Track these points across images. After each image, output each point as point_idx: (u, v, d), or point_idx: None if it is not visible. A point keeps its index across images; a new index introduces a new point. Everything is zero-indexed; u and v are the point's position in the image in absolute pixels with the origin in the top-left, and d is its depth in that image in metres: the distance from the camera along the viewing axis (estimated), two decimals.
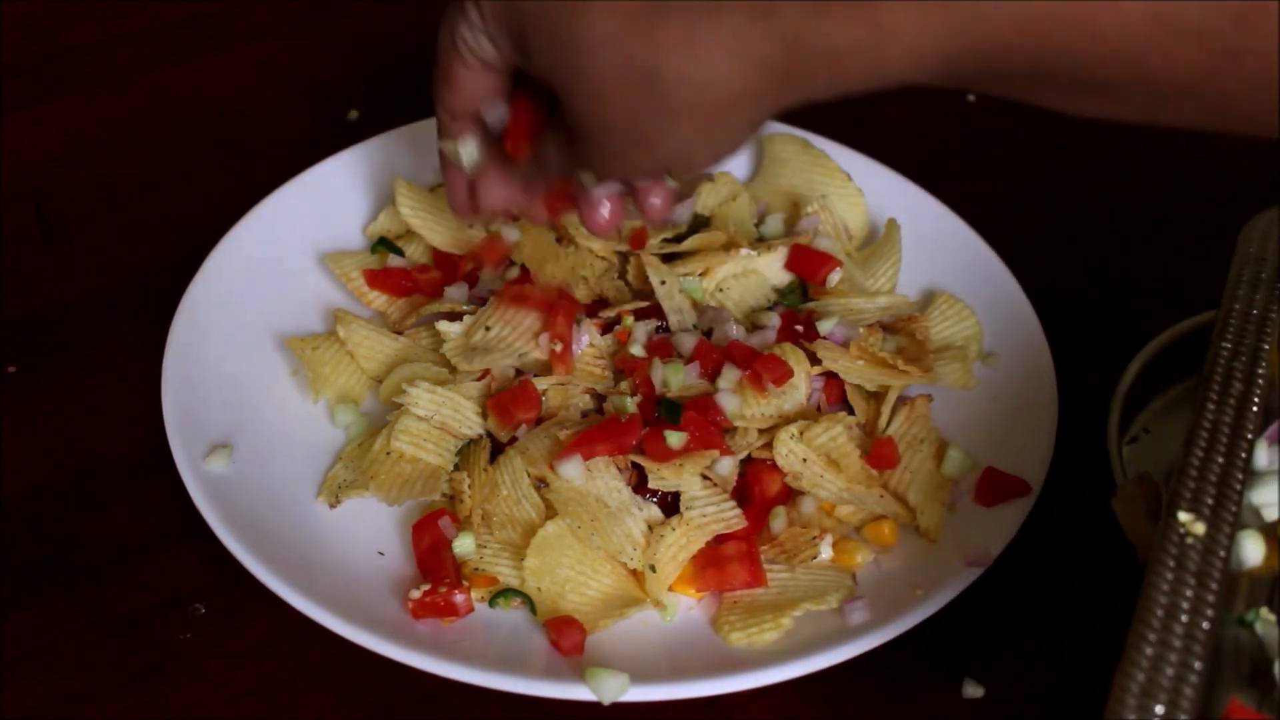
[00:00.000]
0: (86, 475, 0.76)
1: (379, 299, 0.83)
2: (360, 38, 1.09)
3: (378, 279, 0.82)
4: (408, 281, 0.82)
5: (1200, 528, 0.57)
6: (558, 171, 0.64)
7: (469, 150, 0.67)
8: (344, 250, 0.85)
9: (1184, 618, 0.53)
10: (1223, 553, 0.56)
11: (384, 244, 0.84)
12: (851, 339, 0.77)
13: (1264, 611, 0.58)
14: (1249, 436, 0.62)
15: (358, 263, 0.83)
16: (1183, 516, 0.57)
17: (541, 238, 0.81)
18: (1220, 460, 0.61)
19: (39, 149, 0.97)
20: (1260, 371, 0.66)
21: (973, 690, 0.68)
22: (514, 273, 0.80)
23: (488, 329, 0.76)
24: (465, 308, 0.78)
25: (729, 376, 0.73)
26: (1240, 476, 0.60)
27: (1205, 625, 0.53)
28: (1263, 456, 0.64)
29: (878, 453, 0.73)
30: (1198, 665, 0.51)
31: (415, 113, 0.92)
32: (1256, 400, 0.64)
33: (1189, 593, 0.54)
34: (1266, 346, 0.68)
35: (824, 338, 0.77)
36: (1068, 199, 0.97)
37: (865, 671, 0.67)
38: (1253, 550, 0.60)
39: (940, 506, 0.72)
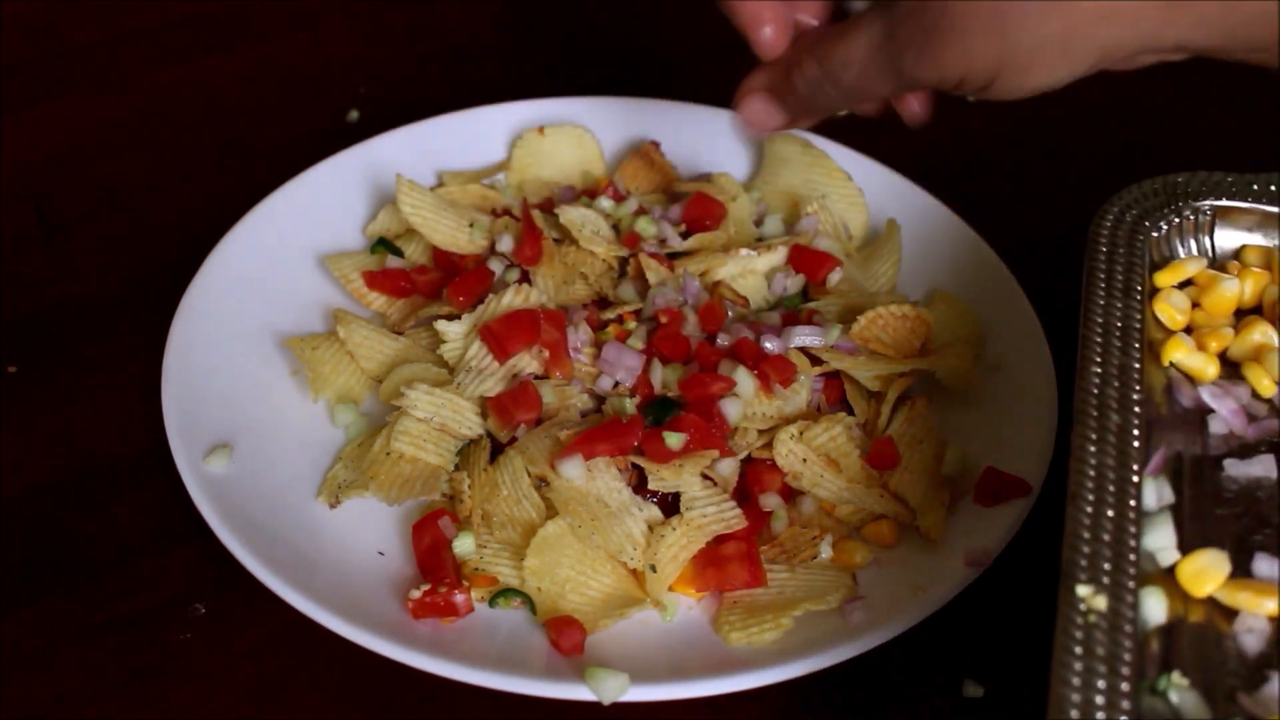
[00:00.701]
0: (86, 475, 0.76)
1: (378, 300, 0.83)
2: (360, 38, 1.09)
3: (377, 280, 0.82)
4: (407, 283, 0.82)
5: (1102, 601, 0.53)
6: (852, 81, 0.61)
7: None
8: (343, 251, 0.85)
9: (1100, 715, 0.50)
10: (1129, 625, 0.53)
11: (383, 244, 0.84)
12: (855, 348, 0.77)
13: (1175, 677, 0.54)
14: (1135, 477, 0.58)
15: (357, 264, 0.83)
16: (1081, 591, 0.54)
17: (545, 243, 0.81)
18: (1110, 513, 0.56)
19: (39, 149, 0.97)
20: (1135, 395, 0.61)
21: (973, 690, 0.68)
22: (514, 275, 0.80)
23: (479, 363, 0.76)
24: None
25: (744, 382, 0.73)
26: (1133, 528, 0.56)
27: (1123, 718, 0.50)
28: (1151, 495, 0.60)
29: (878, 453, 0.73)
30: None
31: (415, 113, 0.92)
32: (1136, 430, 0.60)
33: (1101, 683, 0.51)
34: (1137, 363, 0.63)
35: (833, 348, 0.77)
36: (1068, 199, 0.97)
37: (865, 671, 0.67)
38: (1156, 609, 0.56)
39: (940, 506, 0.72)
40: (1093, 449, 0.59)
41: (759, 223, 0.88)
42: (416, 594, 0.66)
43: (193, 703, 0.66)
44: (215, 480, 0.70)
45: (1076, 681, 0.51)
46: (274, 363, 0.79)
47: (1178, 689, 0.54)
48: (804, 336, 0.76)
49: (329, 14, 1.11)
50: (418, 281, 0.82)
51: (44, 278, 0.87)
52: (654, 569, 0.68)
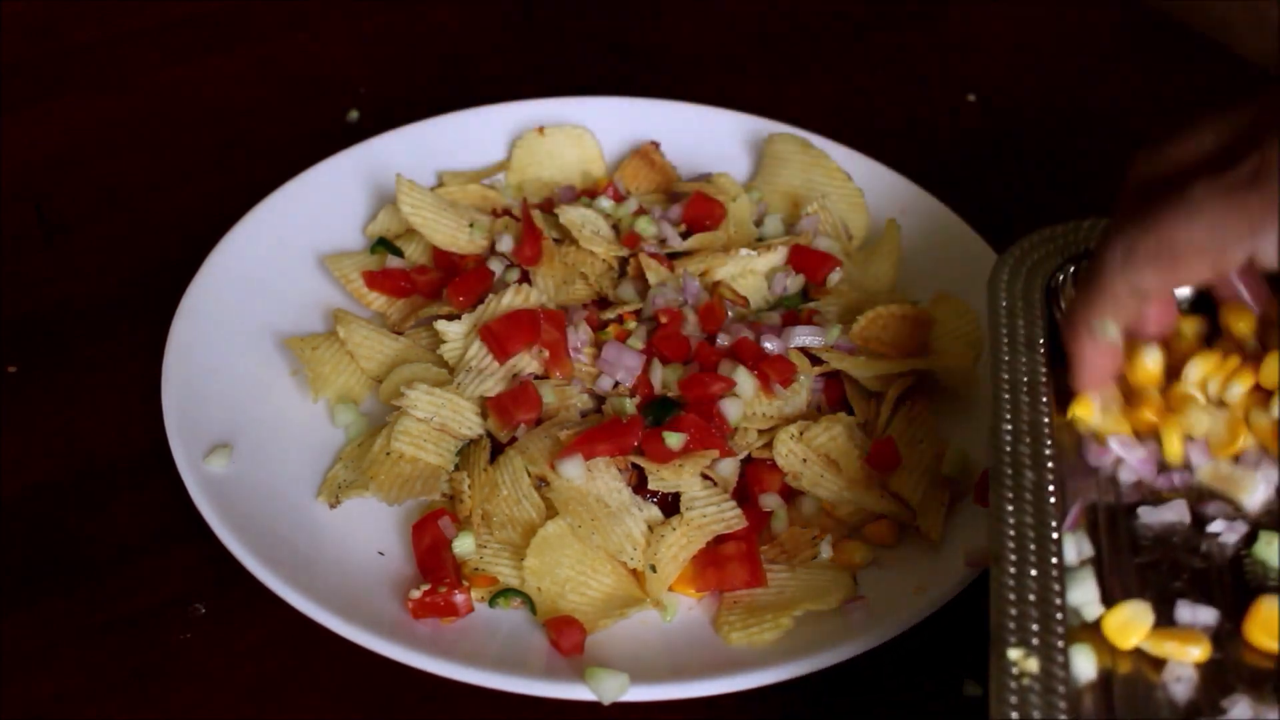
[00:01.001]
0: (86, 475, 0.76)
1: (378, 300, 0.83)
2: (360, 38, 1.09)
3: (377, 280, 0.82)
4: (407, 283, 0.82)
5: (1033, 664, 0.53)
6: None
7: (1113, 331, 0.64)
8: (344, 251, 0.85)
9: None
10: (1061, 686, 0.53)
11: (383, 244, 0.84)
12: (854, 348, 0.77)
13: None
14: (1054, 534, 0.58)
15: (357, 264, 0.83)
16: (1013, 655, 0.53)
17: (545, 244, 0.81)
18: (1034, 572, 0.56)
19: (39, 149, 0.97)
20: (1047, 451, 0.61)
21: (973, 690, 0.68)
22: (514, 275, 0.80)
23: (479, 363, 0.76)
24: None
25: (744, 382, 0.73)
26: (1056, 585, 0.56)
27: None
28: (1071, 550, 0.60)
29: (878, 453, 0.73)
30: None
31: (415, 113, 0.92)
32: (1051, 486, 0.60)
33: None
34: (1046, 418, 0.62)
35: (833, 348, 0.77)
36: (1068, 199, 0.97)
37: (865, 671, 0.67)
38: (1086, 666, 0.56)
39: (940, 506, 0.72)
40: (1010, 509, 0.59)
41: (759, 223, 0.88)
42: (416, 594, 0.66)
43: (193, 703, 0.66)
44: (215, 480, 0.70)
45: None
46: (274, 363, 0.79)
47: None
48: (804, 336, 0.76)
49: (329, 14, 1.11)
50: (418, 281, 0.82)
51: (44, 278, 0.87)
52: (654, 569, 0.68)
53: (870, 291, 0.84)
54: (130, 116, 1.00)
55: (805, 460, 0.72)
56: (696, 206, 0.85)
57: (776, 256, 0.83)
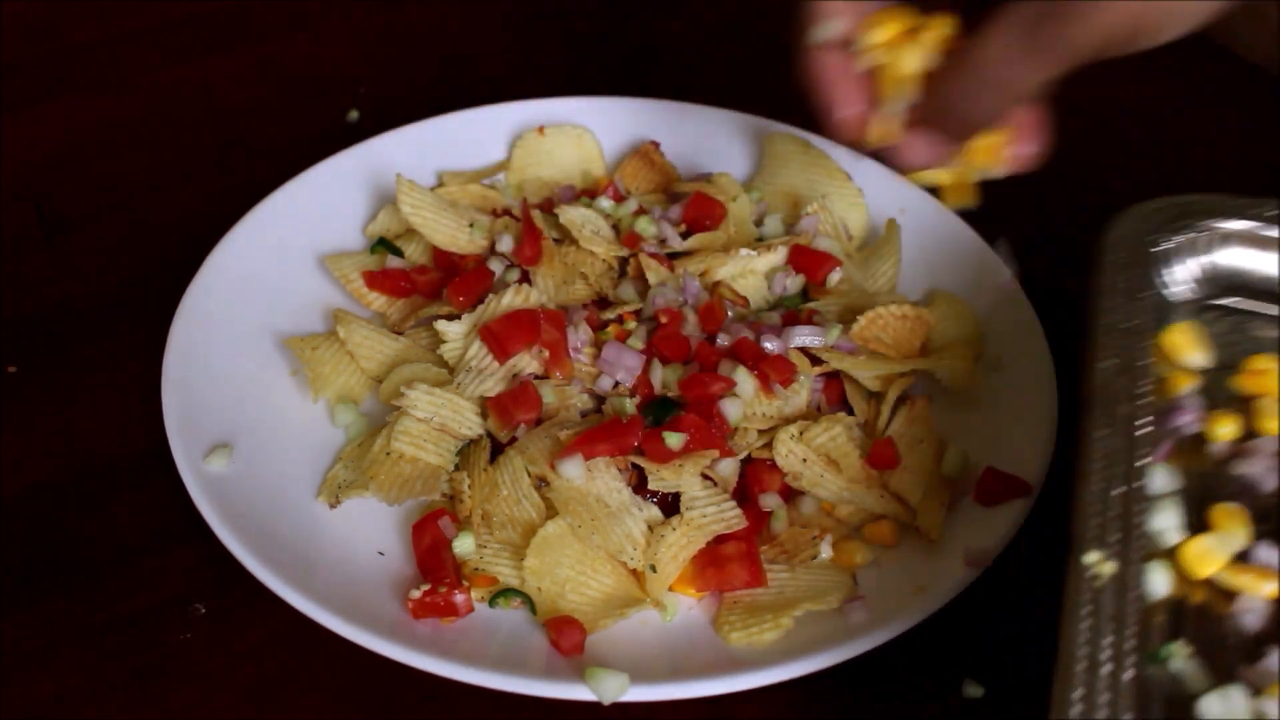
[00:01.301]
0: (86, 475, 0.76)
1: (378, 300, 0.83)
2: (360, 38, 1.09)
3: (377, 280, 0.82)
4: (407, 283, 0.82)
5: (1109, 567, 0.56)
6: (1001, 74, 0.62)
7: (831, 27, 0.66)
8: (343, 250, 0.85)
9: (1106, 668, 0.52)
10: (1134, 592, 0.55)
11: (383, 244, 0.84)
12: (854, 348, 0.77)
13: (1178, 646, 0.57)
14: (1142, 461, 0.61)
15: (357, 264, 0.83)
16: (1091, 558, 0.56)
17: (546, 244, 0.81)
18: (1118, 491, 0.60)
19: (39, 149, 0.97)
20: (1143, 389, 0.65)
21: (973, 690, 0.68)
22: (514, 275, 0.80)
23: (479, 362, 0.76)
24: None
25: (744, 382, 0.73)
26: (1139, 507, 0.59)
27: (1129, 674, 0.52)
28: (1158, 480, 0.63)
29: (878, 453, 0.73)
30: (1128, 718, 0.51)
31: (415, 113, 0.92)
32: (1144, 421, 0.63)
33: (1108, 640, 0.53)
34: (1147, 362, 0.66)
35: (833, 348, 0.77)
36: (1068, 199, 0.97)
37: (865, 671, 0.67)
38: (1160, 581, 0.59)
39: (940, 506, 0.72)
40: (1103, 434, 0.62)
41: (759, 223, 0.88)
42: (416, 594, 0.66)
43: (193, 703, 0.66)
44: (215, 480, 0.70)
45: (1084, 639, 0.53)
46: (274, 363, 0.79)
47: (1179, 658, 0.57)
48: (804, 336, 0.76)
49: (329, 14, 1.11)
50: (418, 281, 0.82)
51: (44, 278, 0.87)
52: (654, 569, 0.68)
53: (870, 291, 0.84)
54: (130, 116, 1.00)
55: (805, 460, 0.72)
56: (696, 206, 0.85)
57: (776, 256, 0.83)
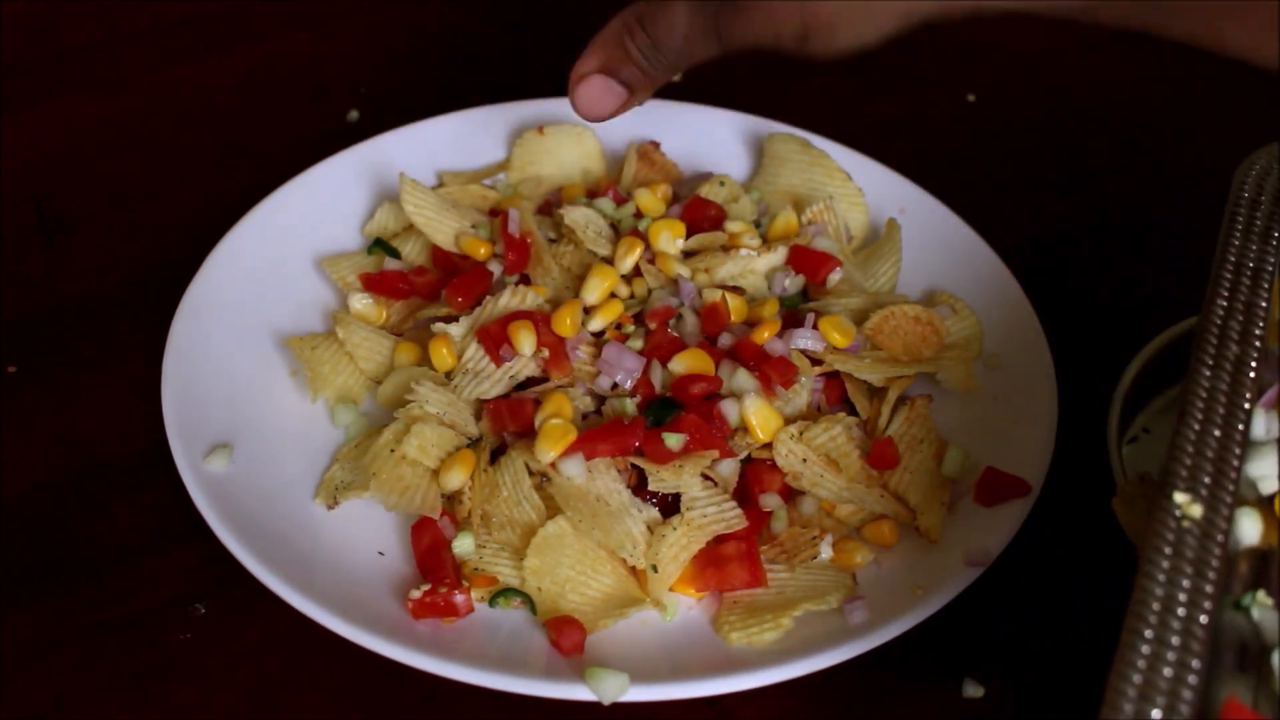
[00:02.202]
0: (86, 475, 0.76)
1: (371, 309, 0.82)
2: (360, 38, 1.09)
3: (374, 282, 0.82)
4: (405, 284, 0.82)
5: (1197, 510, 0.54)
6: (677, 45, 0.65)
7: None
8: (344, 251, 0.85)
9: (1181, 610, 0.50)
10: (1220, 536, 0.53)
11: (380, 245, 0.84)
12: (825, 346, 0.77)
13: (1260, 595, 0.55)
14: (1246, 404, 0.59)
15: (355, 266, 0.83)
16: (1178, 498, 0.54)
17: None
18: (1217, 432, 0.58)
19: (39, 149, 0.97)
20: (1257, 331, 0.62)
21: (973, 690, 0.68)
22: (513, 276, 0.80)
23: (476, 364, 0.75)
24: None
25: (744, 383, 0.73)
26: (1238, 449, 0.57)
27: (1204, 618, 0.50)
28: (1260, 425, 0.61)
29: (878, 453, 0.73)
30: (1196, 664, 0.49)
31: (415, 113, 0.92)
32: (1254, 363, 0.61)
33: (1186, 583, 0.51)
34: (1264, 303, 0.64)
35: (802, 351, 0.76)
36: (1068, 199, 0.97)
37: (865, 671, 0.67)
38: (1250, 529, 0.57)
39: (940, 506, 0.72)
40: (1208, 374, 0.60)
41: (759, 223, 0.88)
42: (416, 594, 0.66)
43: (193, 703, 0.66)
44: (215, 480, 0.70)
45: (1162, 578, 0.52)
46: (274, 363, 0.79)
47: (1261, 608, 0.55)
48: (805, 340, 0.76)
49: (329, 14, 1.11)
50: (416, 283, 0.82)
51: (44, 278, 0.87)
52: (654, 569, 0.68)
53: (871, 292, 0.84)
54: (130, 116, 1.00)
55: (805, 460, 0.72)
56: (696, 207, 0.85)
57: (776, 256, 0.83)
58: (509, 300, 0.76)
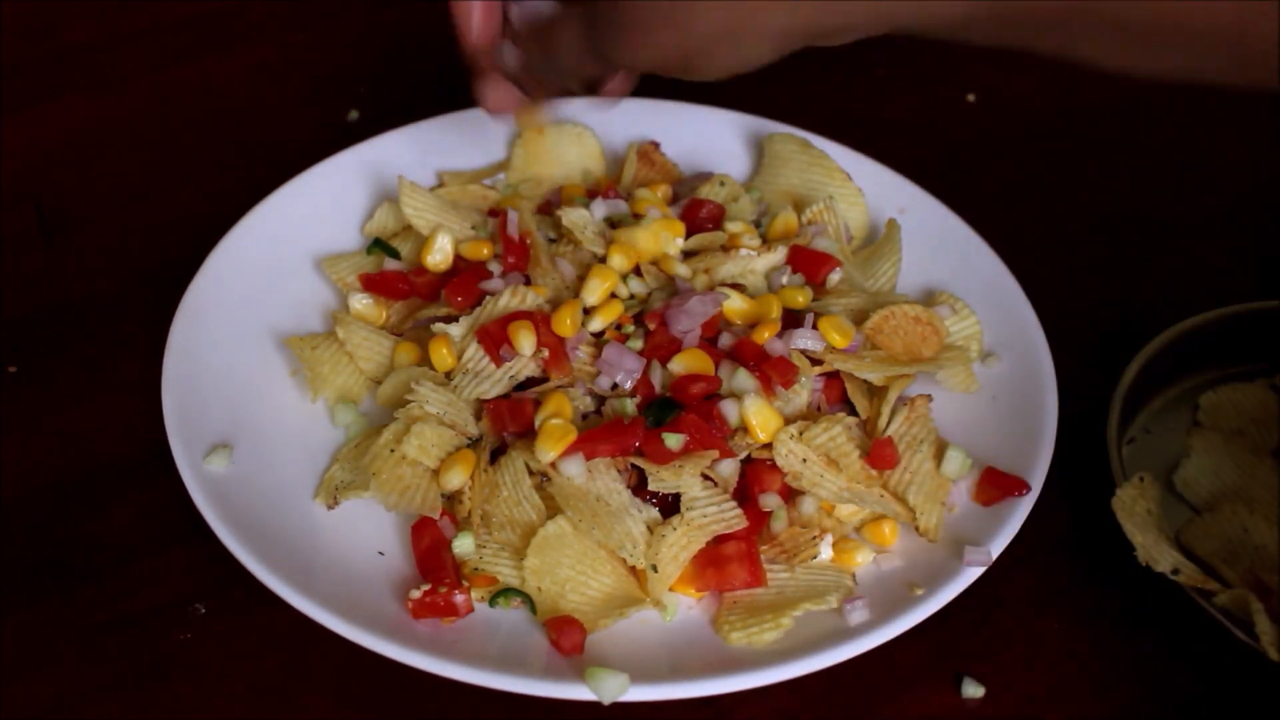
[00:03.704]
0: (86, 475, 0.76)
1: (370, 309, 0.82)
2: (360, 38, 1.09)
3: (374, 282, 0.82)
4: (405, 284, 0.82)
5: None
6: (568, 63, 0.66)
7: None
8: (343, 251, 0.85)
9: None
10: None
11: (380, 245, 0.84)
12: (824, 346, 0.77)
13: None
14: None
15: (354, 266, 0.83)
16: None
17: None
18: None
19: (39, 149, 0.97)
20: None
21: (973, 690, 0.68)
22: (513, 277, 0.80)
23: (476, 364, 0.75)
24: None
25: (744, 383, 0.73)
26: None
27: None
28: None
29: (878, 453, 0.73)
30: None
31: (415, 113, 0.92)
32: None
33: None
34: None
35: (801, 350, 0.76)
36: (1068, 199, 0.97)
37: (865, 671, 0.67)
38: None
39: (940, 506, 0.72)
40: None
41: (759, 223, 0.88)
42: (416, 594, 0.66)
43: (193, 703, 0.66)
44: (215, 480, 0.70)
45: None
46: (274, 363, 0.79)
47: None
48: (804, 340, 0.76)
49: (329, 14, 1.10)
50: (416, 283, 0.82)
51: (44, 278, 0.87)
52: (655, 569, 0.68)
53: (871, 292, 0.84)
54: (130, 116, 1.00)
55: (805, 460, 0.72)
56: (696, 206, 0.85)
57: (776, 256, 0.83)
58: (509, 300, 0.76)
